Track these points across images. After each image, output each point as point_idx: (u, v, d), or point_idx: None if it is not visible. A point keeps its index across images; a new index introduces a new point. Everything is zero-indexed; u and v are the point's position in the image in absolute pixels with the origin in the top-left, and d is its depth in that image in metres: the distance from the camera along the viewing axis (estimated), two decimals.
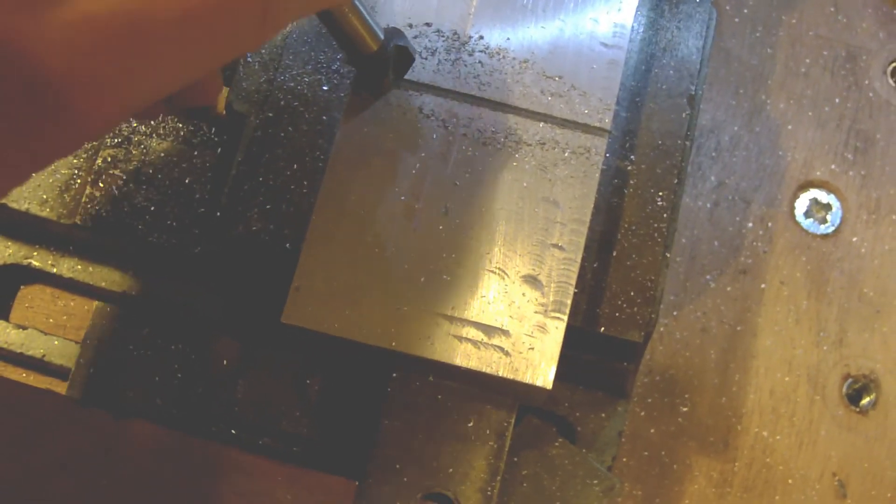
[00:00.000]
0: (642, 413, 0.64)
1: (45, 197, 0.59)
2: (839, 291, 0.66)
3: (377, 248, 0.53)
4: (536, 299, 0.53)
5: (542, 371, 0.52)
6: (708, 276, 0.66)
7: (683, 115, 0.59)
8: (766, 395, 0.65)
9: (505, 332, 0.52)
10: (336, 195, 0.54)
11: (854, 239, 0.68)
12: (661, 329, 0.65)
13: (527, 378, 0.52)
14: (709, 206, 0.67)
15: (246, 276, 0.58)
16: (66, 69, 0.34)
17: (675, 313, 0.65)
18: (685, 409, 0.64)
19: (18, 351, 0.60)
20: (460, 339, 0.52)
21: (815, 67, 0.71)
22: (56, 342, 0.61)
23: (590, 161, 0.55)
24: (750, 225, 0.67)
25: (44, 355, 0.60)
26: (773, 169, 0.68)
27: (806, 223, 0.68)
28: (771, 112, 0.69)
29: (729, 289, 0.66)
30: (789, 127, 0.69)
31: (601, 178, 0.56)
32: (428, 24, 0.56)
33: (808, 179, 0.69)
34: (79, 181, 0.59)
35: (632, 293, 0.56)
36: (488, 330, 0.52)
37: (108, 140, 0.59)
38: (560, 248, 0.53)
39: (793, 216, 0.68)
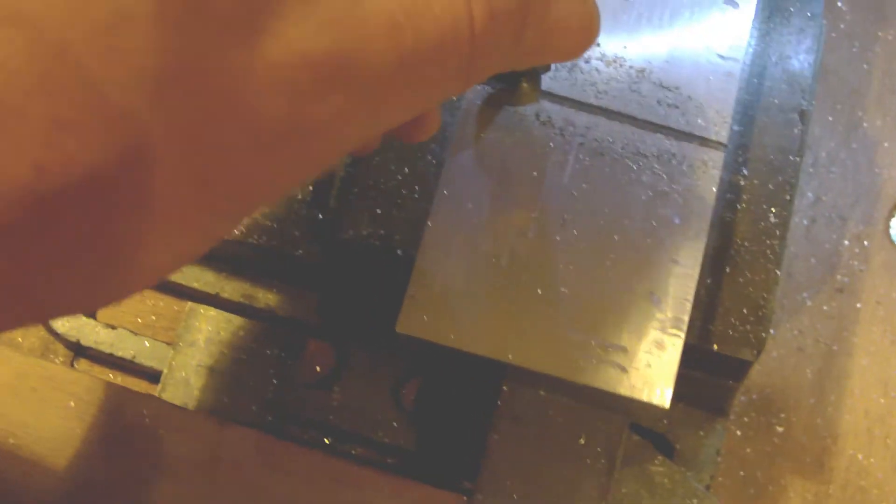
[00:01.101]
0: (738, 432, 0.62)
1: None
2: None
3: (494, 258, 0.51)
4: (654, 315, 0.52)
5: (659, 389, 0.51)
6: (805, 294, 0.65)
7: (796, 130, 0.58)
8: (860, 416, 0.63)
9: (623, 349, 0.51)
10: (451, 202, 0.52)
11: None
12: None
13: (644, 396, 0.51)
14: (805, 222, 0.66)
15: (353, 280, 0.57)
16: (278, 118, 0.32)
17: (772, 331, 0.64)
18: (781, 429, 0.63)
19: (108, 351, 0.59)
20: (578, 353, 0.51)
21: None
22: (147, 343, 0.59)
23: (707, 175, 0.54)
24: (846, 243, 0.66)
25: (134, 356, 0.59)
26: (869, 187, 0.67)
27: None
28: (868, 129, 0.68)
29: (825, 307, 0.65)
30: (885, 144, 0.68)
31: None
32: None
33: None
34: None
35: (745, 311, 0.55)
36: (606, 345, 0.51)
37: None
38: (678, 262, 0.52)
39: (888, 235, 0.67)
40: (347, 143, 0.37)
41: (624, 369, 0.51)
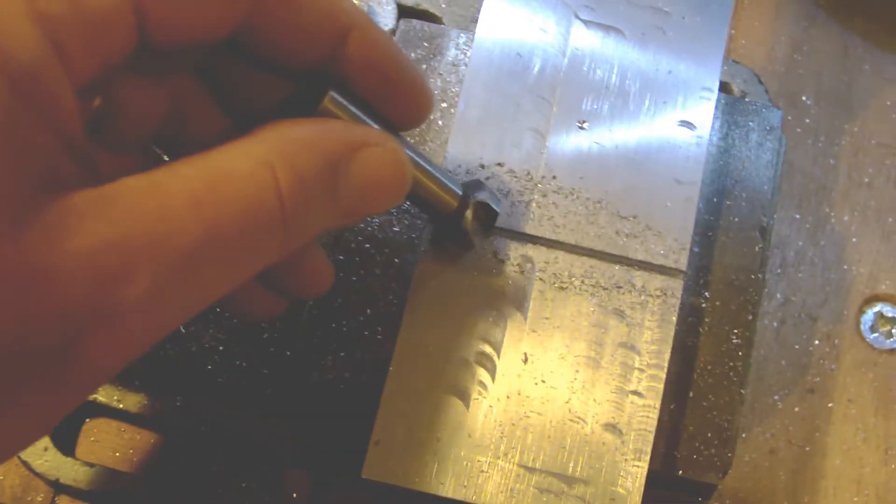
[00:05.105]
0: None
1: None
2: None
3: (456, 399, 0.53)
4: (616, 448, 0.52)
5: None
6: (776, 397, 0.66)
7: (756, 248, 0.59)
8: None
9: (586, 482, 0.52)
10: (414, 344, 0.53)
11: None
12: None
13: None
14: (775, 324, 0.67)
15: (321, 421, 0.58)
16: (90, 299, 0.34)
17: (743, 436, 0.65)
18: None
19: (87, 489, 0.60)
20: (541, 490, 0.52)
21: (878, 177, 0.70)
22: (124, 479, 0.60)
23: (666, 304, 0.55)
24: (816, 342, 0.67)
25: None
26: (838, 284, 0.68)
27: (872, 338, 0.67)
28: (835, 225, 0.69)
29: (797, 409, 0.66)
30: (854, 240, 0.69)
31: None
32: (500, 165, 0.56)
33: (873, 293, 0.68)
34: None
35: (709, 434, 0.56)
36: (569, 480, 0.52)
37: None
38: (639, 394, 0.53)
39: (859, 332, 0.67)
40: (166, 323, 0.37)
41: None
